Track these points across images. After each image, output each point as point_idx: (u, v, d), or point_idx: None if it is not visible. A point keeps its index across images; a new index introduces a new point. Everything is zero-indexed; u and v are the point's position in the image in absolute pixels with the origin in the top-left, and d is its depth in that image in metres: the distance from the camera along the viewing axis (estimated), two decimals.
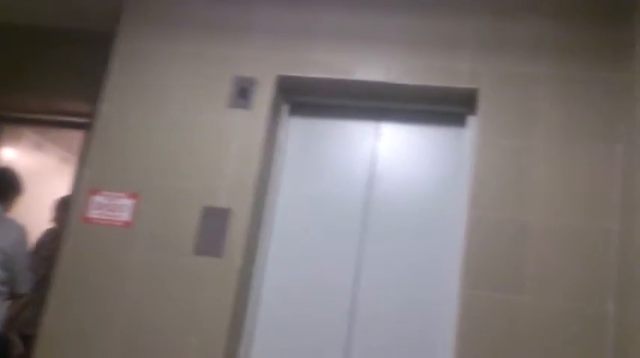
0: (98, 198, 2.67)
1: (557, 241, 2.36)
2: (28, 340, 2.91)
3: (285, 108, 2.89)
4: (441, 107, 2.76)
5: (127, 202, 2.65)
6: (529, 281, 2.33)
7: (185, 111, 2.74)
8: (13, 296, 2.72)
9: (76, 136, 3.58)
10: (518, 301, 2.32)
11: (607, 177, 2.39)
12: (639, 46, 2.38)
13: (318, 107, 2.90)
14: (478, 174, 2.48)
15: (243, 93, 2.71)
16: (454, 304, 2.45)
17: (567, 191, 2.40)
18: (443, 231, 2.65)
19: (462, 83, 2.60)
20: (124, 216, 2.63)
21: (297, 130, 2.89)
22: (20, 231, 2.71)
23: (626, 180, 2.35)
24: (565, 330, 2.27)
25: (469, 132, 2.68)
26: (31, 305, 3.13)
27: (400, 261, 2.65)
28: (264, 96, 2.70)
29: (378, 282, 2.63)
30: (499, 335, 2.30)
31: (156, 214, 2.62)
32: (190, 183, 2.63)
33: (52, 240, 3.29)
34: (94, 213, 2.66)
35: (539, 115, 2.50)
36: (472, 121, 2.67)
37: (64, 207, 3.31)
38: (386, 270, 2.64)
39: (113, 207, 2.65)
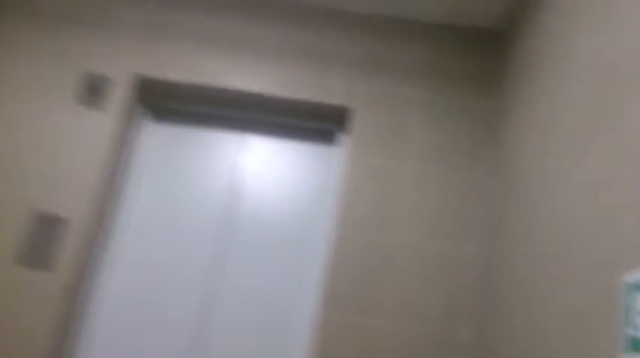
0: None
1: (420, 265, 2.29)
2: None
3: (143, 112, 2.62)
4: (312, 123, 2.62)
5: None
6: (388, 305, 2.23)
7: (24, 105, 2.39)
8: None
9: None
10: (375, 325, 2.20)
11: (472, 201, 2.37)
12: (508, 74, 2.38)
13: (181, 114, 2.66)
14: (345, 193, 2.36)
15: (94, 91, 2.41)
16: (310, 325, 2.29)
17: (433, 214, 2.34)
18: (306, 250, 2.48)
19: (335, 100, 2.48)
20: None
21: (156, 137, 2.62)
22: None
23: (489, 206, 2.32)
24: (420, 355, 2.18)
25: (339, 151, 2.55)
26: None
27: (258, 280, 2.44)
28: (117, 96, 2.42)
29: (233, 304, 2.41)
30: None
31: None
32: (20, 186, 2.27)
33: None
34: None
35: (410, 137, 2.43)
36: (343, 140, 2.55)
37: None
38: (242, 292, 2.43)
39: None
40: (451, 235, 2.32)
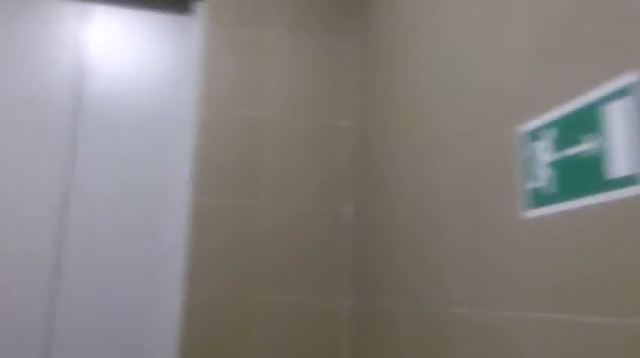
0: None
1: (291, 141, 2.20)
2: None
3: None
4: None
5: None
6: (263, 184, 2.15)
7: None
8: None
9: None
10: (251, 205, 2.12)
11: (341, 71, 2.28)
12: None
13: None
14: (205, 67, 2.18)
15: None
16: (183, 211, 2.17)
17: (301, 86, 2.24)
18: (168, 132, 2.29)
19: None
20: None
21: None
22: None
23: (358, 75, 2.26)
24: (304, 234, 2.15)
25: (195, 20, 2.31)
26: None
27: (119, 169, 2.22)
28: None
29: (93, 199, 2.19)
30: (233, 242, 2.09)
31: None
32: None
33: None
34: None
35: (272, 3, 2.23)
36: (198, 7, 2.29)
37: None
38: (102, 185, 2.20)
39: None
40: (321, 108, 2.24)
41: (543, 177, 1.06)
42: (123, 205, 2.19)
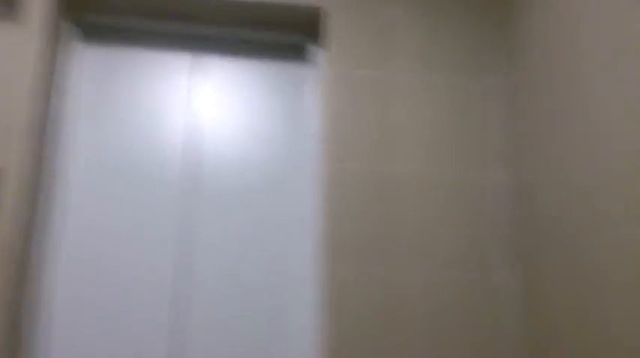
0: None
1: (432, 197, 1.96)
2: None
3: (71, 29, 2.13)
4: (278, 35, 2.23)
5: None
6: (401, 248, 1.90)
7: None
8: None
9: None
10: (391, 276, 1.87)
11: (484, 114, 2.06)
12: None
13: (117, 31, 2.20)
14: (329, 116, 2.00)
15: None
16: (311, 280, 2.00)
17: (438, 132, 2.02)
18: (288, 191, 2.12)
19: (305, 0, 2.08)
20: None
21: (89, 61, 2.16)
22: None
23: (506, 119, 2.04)
24: (456, 312, 1.88)
25: (314, 67, 2.21)
26: None
27: (238, 231, 2.06)
28: (39, 4, 1.92)
29: (212, 263, 2.03)
30: (373, 323, 1.84)
31: None
32: None
33: None
34: None
35: (400, 40, 2.10)
36: (316, 53, 2.21)
37: None
38: (222, 249, 2.04)
39: None
40: (466, 158, 2.01)
41: None
42: (245, 279, 2.03)
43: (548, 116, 1.76)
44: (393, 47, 2.07)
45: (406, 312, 1.85)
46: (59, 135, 2.04)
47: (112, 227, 2.01)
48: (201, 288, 1.99)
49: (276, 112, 2.18)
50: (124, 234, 2.01)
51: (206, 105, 2.16)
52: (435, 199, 1.96)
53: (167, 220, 2.04)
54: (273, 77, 2.22)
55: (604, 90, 1.41)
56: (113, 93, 2.13)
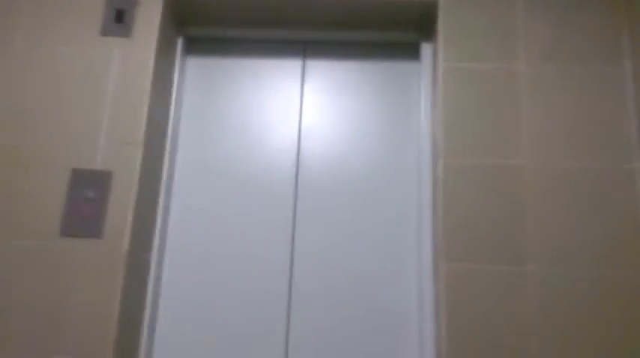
0: None
1: (561, 191, 1.80)
2: None
3: (179, 43, 2.21)
4: (387, 33, 2.16)
5: None
6: (529, 245, 1.76)
7: (39, 44, 2.00)
8: None
9: None
10: (519, 276, 1.74)
11: (614, 104, 1.87)
12: None
13: (221, 42, 2.24)
14: (444, 111, 1.89)
15: (120, 16, 2.01)
16: (427, 279, 1.89)
17: (567, 123, 1.86)
18: (400, 191, 2.06)
19: None
20: None
21: (194, 73, 2.22)
22: None
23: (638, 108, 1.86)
24: (595, 312, 1.71)
25: (425, 63, 2.11)
26: None
27: (349, 234, 2.02)
28: (149, 19, 2.01)
29: (320, 264, 2.00)
30: (493, 319, 1.71)
31: (3, 183, 1.87)
32: (52, 140, 1.90)
33: None
34: None
35: (519, 29, 1.97)
36: (427, 49, 2.12)
37: None
38: (334, 248, 2.01)
39: None
40: (596, 149, 1.83)
41: None
42: (358, 280, 1.99)
43: None
44: (511, 39, 1.94)
45: (529, 312, 1.70)
46: (170, 145, 2.11)
47: (223, 232, 2.03)
48: (313, 294, 1.98)
49: (388, 112, 2.12)
50: (235, 240, 2.03)
51: (319, 110, 2.14)
52: (563, 192, 1.79)
53: (281, 226, 2.03)
54: (384, 77, 2.16)
55: None
56: (222, 103, 2.17)
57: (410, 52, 2.17)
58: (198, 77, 2.20)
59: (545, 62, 1.92)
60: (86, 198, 1.84)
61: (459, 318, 1.71)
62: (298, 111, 2.15)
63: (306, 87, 2.17)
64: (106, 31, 1.98)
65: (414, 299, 1.94)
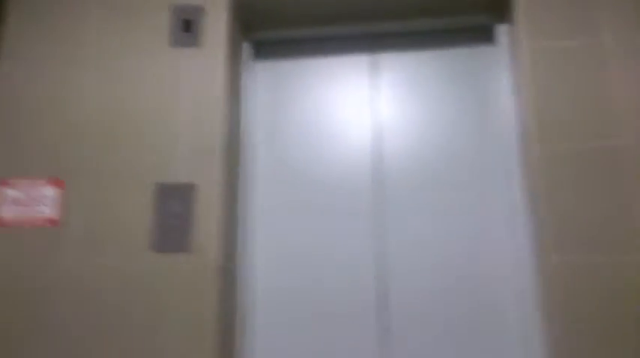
0: (9, 191, 1.94)
1: None
2: None
3: (246, 48, 2.19)
4: (459, 18, 2.09)
5: (48, 192, 1.92)
6: (633, 236, 1.66)
7: (111, 59, 2.01)
8: None
9: None
10: (621, 265, 1.64)
11: None
12: None
13: (287, 43, 2.21)
14: (531, 95, 1.80)
15: (187, 26, 2.00)
16: (527, 276, 1.83)
17: None
18: (491, 183, 1.99)
19: None
20: (47, 211, 1.91)
21: (263, 77, 2.20)
22: None
23: None
24: None
25: (502, 47, 2.03)
26: None
27: (437, 234, 1.97)
28: (216, 27, 1.99)
29: (411, 265, 1.96)
30: (608, 312, 1.63)
31: (90, 203, 1.90)
32: (133, 156, 1.92)
33: None
34: (5, 212, 1.92)
35: (600, 7, 1.86)
36: (503, 31, 2.04)
37: None
38: (420, 249, 1.97)
39: (30, 201, 1.92)
40: None
41: None
42: (447, 281, 1.94)
43: None
44: (595, 13, 1.84)
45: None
46: (246, 151, 2.10)
47: (305, 237, 2.02)
48: (404, 289, 1.93)
49: (464, 100, 2.05)
50: (317, 242, 2.01)
51: (393, 104, 2.09)
52: None
53: (364, 227, 2.00)
54: (457, 64, 2.09)
55: None
56: (293, 105, 2.14)
57: (482, 36, 2.09)
58: (268, 80, 2.18)
59: (633, 32, 1.80)
60: (172, 213, 1.85)
61: (570, 314, 1.63)
62: (372, 106, 2.10)
63: (378, 81, 2.12)
64: (175, 42, 1.98)
65: (513, 295, 1.88)
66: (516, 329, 1.85)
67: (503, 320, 1.87)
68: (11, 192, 1.93)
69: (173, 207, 1.85)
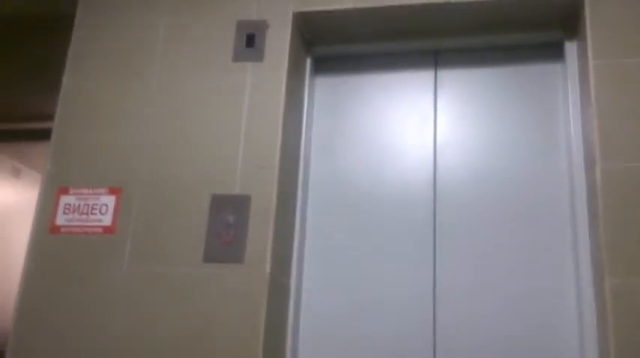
0: (68, 199, 1.96)
1: None
2: None
3: (308, 63, 2.19)
4: (525, 35, 2.03)
5: (107, 201, 1.93)
6: None
7: (174, 73, 2.03)
8: None
9: None
10: None
11: None
12: None
13: (348, 58, 2.20)
14: (598, 111, 1.72)
15: (250, 41, 2.01)
16: (589, 300, 1.71)
17: None
18: (553, 202, 1.89)
19: None
20: (105, 219, 1.91)
21: (323, 93, 2.18)
22: None
23: None
24: None
25: (570, 63, 1.96)
26: None
27: (495, 258, 1.88)
28: (279, 42, 1.99)
29: (466, 285, 1.87)
30: None
31: (147, 213, 1.90)
32: (190, 167, 1.91)
33: None
34: (63, 219, 1.94)
35: None
36: (571, 48, 1.97)
37: None
38: (477, 267, 1.88)
39: (88, 209, 1.93)
40: None
41: None
42: (507, 309, 1.84)
43: None
44: None
45: None
46: (303, 166, 2.07)
47: (360, 255, 1.96)
48: (460, 311, 1.84)
49: (530, 118, 1.98)
50: (372, 263, 1.94)
51: (455, 122, 2.03)
52: None
53: (421, 245, 1.93)
54: (523, 81, 2.02)
55: None
56: (352, 121, 2.10)
57: (550, 52, 2.03)
58: (328, 96, 2.16)
59: None
60: (227, 224, 1.82)
61: (628, 341, 1.51)
62: (433, 123, 2.05)
63: (440, 98, 2.07)
64: (238, 57, 1.99)
65: (573, 319, 1.76)
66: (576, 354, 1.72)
67: (564, 344, 1.74)
68: (71, 200, 1.95)
69: (228, 218, 1.82)
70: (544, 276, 1.83)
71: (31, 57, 2.88)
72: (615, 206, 1.64)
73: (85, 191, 1.95)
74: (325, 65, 2.21)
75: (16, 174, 4.07)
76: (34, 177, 4.01)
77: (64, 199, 1.95)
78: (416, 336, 1.85)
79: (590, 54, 1.78)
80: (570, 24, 1.97)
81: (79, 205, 1.94)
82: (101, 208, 1.92)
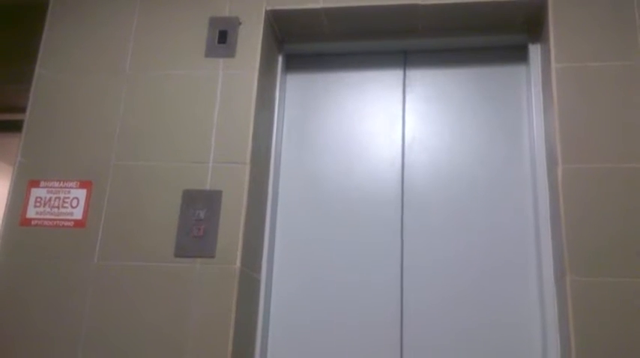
0: (39, 192, 1.96)
1: None
2: None
3: (279, 60, 2.22)
4: (491, 36, 2.09)
5: (78, 194, 1.94)
6: None
7: (146, 68, 2.05)
8: None
9: None
10: None
11: None
12: None
13: (319, 57, 2.23)
14: (560, 114, 1.78)
15: (223, 37, 2.03)
16: (550, 297, 1.78)
17: None
18: (516, 201, 1.96)
19: None
20: (75, 213, 1.92)
21: (294, 89, 2.21)
22: None
23: None
24: None
25: (533, 66, 2.02)
26: None
27: (458, 254, 1.94)
28: (251, 39, 2.02)
29: (431, 279, 1.93)
30: (628, 336, 1.58)
31: (118, 207, 1.91)
32: (162, 162, 1.93)
33: None
34: (34, 212, 1.95)
35: (637, 29, 1.85)
36: (534, 50, 2.03)
37: None
38: (442, 262, 1.95)
39: (59, 203, 1.94)
40: None
41: None
42: (469, 302, 1.91)
43: None
44: (629, 34, 1.83)
45: None
46: (274, 162, 2.10)
47: (330, 250, 2.00)
48: (425, 311, 1.90)
49: (495, 118, 2.04)
50: (341, 257, 1.99)
51: (422, 120, 2.08)
52: None
53: (388, 240, 1.98)
54: (489, 82, 2.08)
55: None
56: (323, 118, 2.14)
57: (515, 55, 2.09)
58: (299, 93, 2.20)
59: None
60: (198, 219, 1.85)
61: (588, 338, 1.58)
62: (401, 121, 2.10)
63: (408, 97, 2.12)
64: (210, 53, 2.01)
65: (535, 315, 1.83)
66: (537, 349, 1.79)
67: (525, 339, 1.81)
68: (42, 193, 1.95)
69: (199, 213, 1.85)
70: (507, 275, 1.89)
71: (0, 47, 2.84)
72: (576, 206, 1.70)
73: (56, 184, 1.95)
74: (297, 63, 2.24)
75: None
76: (4, 169, 3.96)
77: (35, 192, 1.95)
78: (384, 323, 1.90)
79: (552, 57, 1.84)
80: (534, 27, 2.03)
81: (49, 198, 1.94)
82: (72, 202, 1.93)
